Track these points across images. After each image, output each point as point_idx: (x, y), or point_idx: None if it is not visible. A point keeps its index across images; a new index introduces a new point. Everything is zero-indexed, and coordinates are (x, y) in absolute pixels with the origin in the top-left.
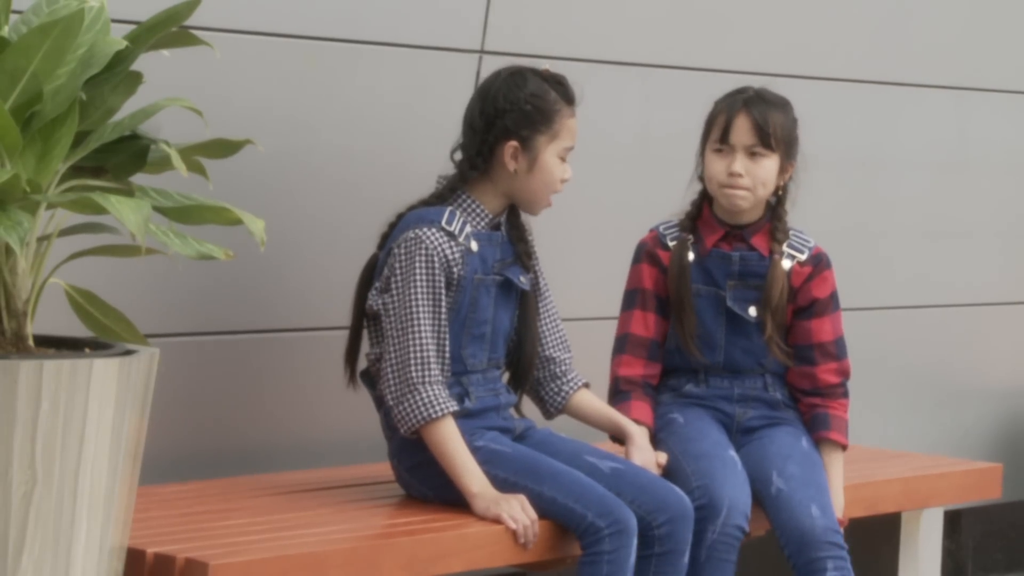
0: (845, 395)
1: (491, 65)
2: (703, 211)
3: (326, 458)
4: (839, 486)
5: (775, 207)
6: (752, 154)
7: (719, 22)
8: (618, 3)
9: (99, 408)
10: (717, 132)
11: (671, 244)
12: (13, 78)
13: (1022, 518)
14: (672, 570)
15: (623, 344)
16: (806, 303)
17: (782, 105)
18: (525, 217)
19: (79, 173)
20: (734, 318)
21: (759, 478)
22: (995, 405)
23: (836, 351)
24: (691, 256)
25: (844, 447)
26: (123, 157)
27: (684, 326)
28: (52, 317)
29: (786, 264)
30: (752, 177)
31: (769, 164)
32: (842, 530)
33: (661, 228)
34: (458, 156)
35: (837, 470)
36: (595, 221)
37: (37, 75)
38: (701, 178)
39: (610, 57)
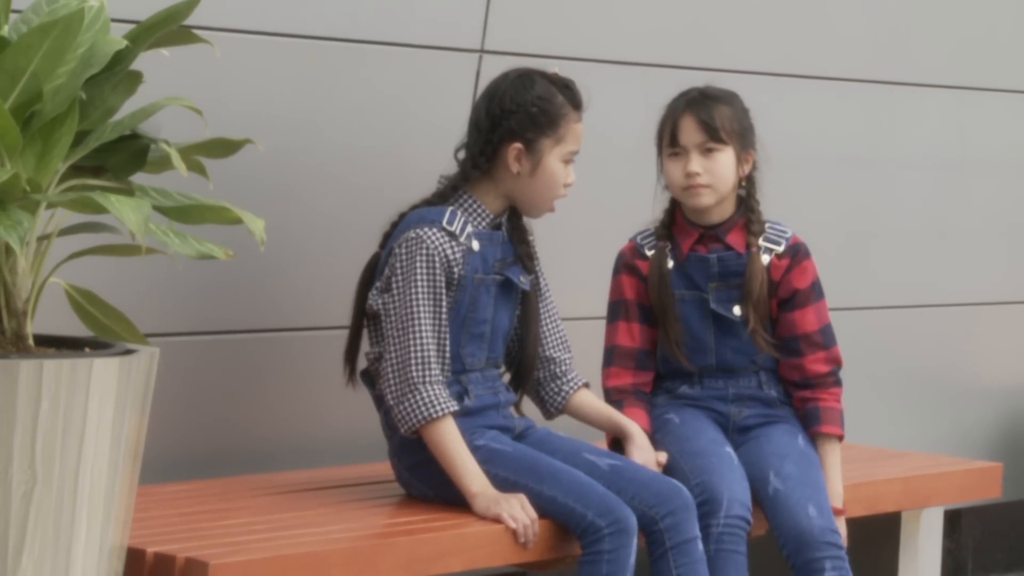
0: (837, 384)
1: (491, 65)
2: (676, 217)
3: (326, 458)
4: (837, 477)
5: (746, 200)
6: (705, 151)
7: (719, 22)
8: (618, 3)
9: (99, 408)
10: (667, 137)
11: (649, 254)
12: (13, 78)
13: (1022, 518)
14: (690, 560)
15: (610, 357)
16: (787, 295)
17: (727, 98)
18: (526, 218)
19: (79, 172)
20: (721, 319)
21: (756, 478)
22: (995, 405)
23: (823, 340)
24: (670, 263)
25: (840, 438)
26: (123, 156)
27: (669, 334)
28: (52, 317)
29: (764, 259)
30: (710, 174)
31: (724, 158)
32: (844, 520)
33: (638, 238)
34: (462, 155)
35: (834, 461)
36: (594, 220)
37: (37, 74)
38: (666, 187)
39: (610, 57)
